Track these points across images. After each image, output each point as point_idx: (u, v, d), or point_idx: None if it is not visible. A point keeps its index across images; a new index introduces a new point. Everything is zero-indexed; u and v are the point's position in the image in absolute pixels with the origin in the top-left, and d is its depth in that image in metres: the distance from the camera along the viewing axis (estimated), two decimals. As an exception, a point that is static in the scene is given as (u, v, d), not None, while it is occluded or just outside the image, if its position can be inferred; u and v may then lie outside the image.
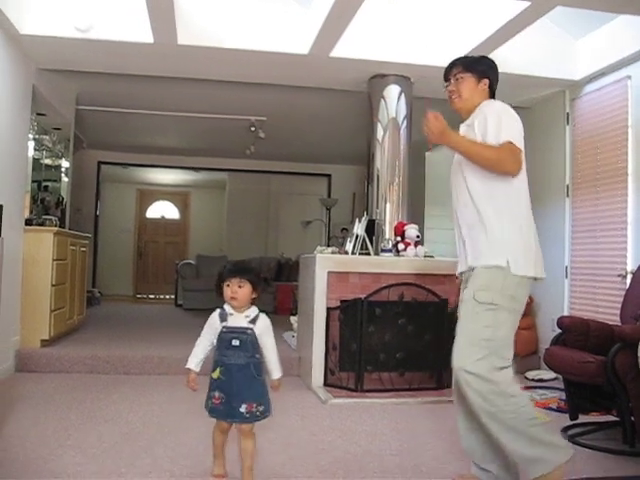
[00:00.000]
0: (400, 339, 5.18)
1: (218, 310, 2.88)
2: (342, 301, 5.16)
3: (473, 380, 2.67)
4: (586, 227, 5.84)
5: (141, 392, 4.85)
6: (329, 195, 12.35)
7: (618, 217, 5.39)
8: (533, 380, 5.70)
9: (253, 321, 2.80)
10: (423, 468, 3.28)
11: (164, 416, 4.17)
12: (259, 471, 3.14)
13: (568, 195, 6.10)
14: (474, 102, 2.98)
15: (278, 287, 10.66)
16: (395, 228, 5.55)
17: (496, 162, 2.77)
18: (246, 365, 2.77)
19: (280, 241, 12.88)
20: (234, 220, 13.02)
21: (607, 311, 5.21)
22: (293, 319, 6.58)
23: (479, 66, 3.04)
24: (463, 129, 2.99)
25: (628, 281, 4.77)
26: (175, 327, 8.27)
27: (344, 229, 10.18)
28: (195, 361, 2.92)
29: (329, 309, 5.17)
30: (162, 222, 15.18)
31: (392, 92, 5.91)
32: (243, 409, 2.77)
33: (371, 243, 5.44)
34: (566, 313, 5.86)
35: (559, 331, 4.17)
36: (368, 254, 5.37)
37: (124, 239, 14.37)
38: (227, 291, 2.81)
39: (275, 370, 2.89)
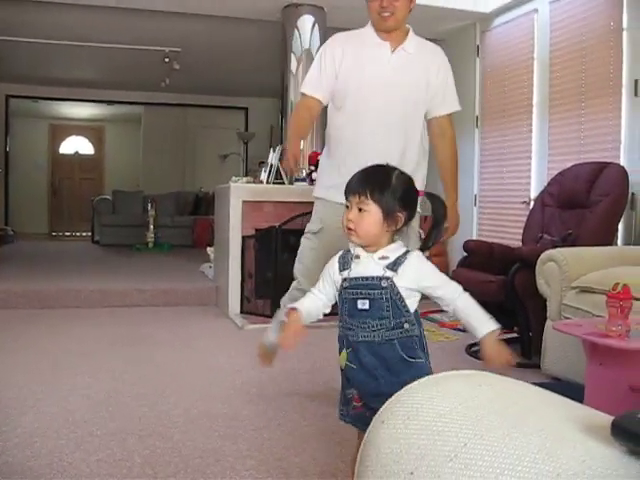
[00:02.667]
0: (315, 267, 5.30)
1: (340, 252, 1.96)
2: (257, 230, 5.24)
3: None
4: (494, 157, 6.05)
5: (58, 324, 4.85)
6: (246, 128, 12.28)
7: (523, 147, 5.60)
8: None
9: (393, 266, 1.81)
10: (334, 384, 3.44)
11: (82, 345, 4.21)
12: (178, 387, 3.25)
13: (477, 126, 6.28)
14: (404, 24, 2.85)
15: (196, 221, 10.68)
16: (309, 157, 5.61)
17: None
18: (385, 343, 1.81)
19: (197, 175, 12.81)
20: (150, 155, 12.84)
21: (511, 237, 5.45)
22: (210, 250, 6.63)
23: None
24: (402, 55, 2.85)
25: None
26: (92, 262, 8.23)
27: (261, 162, 10.15)
28: (299, 307, 1.94)
29: (244, 238, 5.24)
30: (76, 158, 14.83)
31: (306, 23, 5.91)
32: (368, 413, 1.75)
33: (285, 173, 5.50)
34: (474, 239, 6.09)
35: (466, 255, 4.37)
36: (282, 184, 5.43)
37: (37, 176, 14.00)
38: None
39: (480, 324, 1.86)
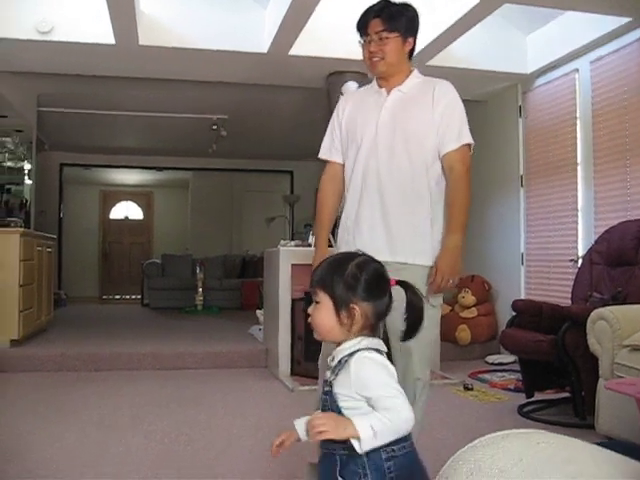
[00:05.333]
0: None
1: None
2: (306, 293, 5.30)
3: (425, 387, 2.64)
4: (540, 215, 6.07)
5: (111, 386, 4.95)
6: (292, 191, 12.49)
7: (569, 205, 5.62)
8: (493, 364, 5.91)
9: (334, 369, 1.62)
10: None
11: (135, 407, 4.29)
12: (232, 450, 3.29)
13: (522, 185, 6.32)
14: (400, 67, 2.71)
15: (243, 284, 10.79)
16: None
17: (468, 192, 2.64)
18: (328, 456, 1.60)
19: (244, 238, 13.01)
20: (198, 219, 13.12)
21: (560, 295, 5.42)
22: (259, 312, 6.71)
23: (406, 22, 2.69)
24: (397, 95, 2.71)
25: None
26: (142, 325, 8.38)
27: (307, 225, 10.33)
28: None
29: (294, 301, 5.32)
30: (126, 223, 15.19)
31: (350, 88, 6.06)
32: None
33: (333, 235, 5.58)
34: (522, 298, 6.08)
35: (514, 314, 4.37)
36: (331, 246, 5.49)
37: (88, 241, 14.35)
38: None
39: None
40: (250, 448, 3.40)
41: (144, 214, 15.32)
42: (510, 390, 4.83)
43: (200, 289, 10.14)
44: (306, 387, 4.79)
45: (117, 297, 14.29)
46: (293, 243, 5.58)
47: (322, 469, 1.62)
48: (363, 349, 1.58)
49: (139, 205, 15.31)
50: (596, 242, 4.65)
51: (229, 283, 11.09)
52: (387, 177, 2.63)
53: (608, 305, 3.76)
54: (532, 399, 4.28)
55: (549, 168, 5.93)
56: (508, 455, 0.85)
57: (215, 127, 8.87)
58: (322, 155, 2.95)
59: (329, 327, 1.62)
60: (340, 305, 1.60)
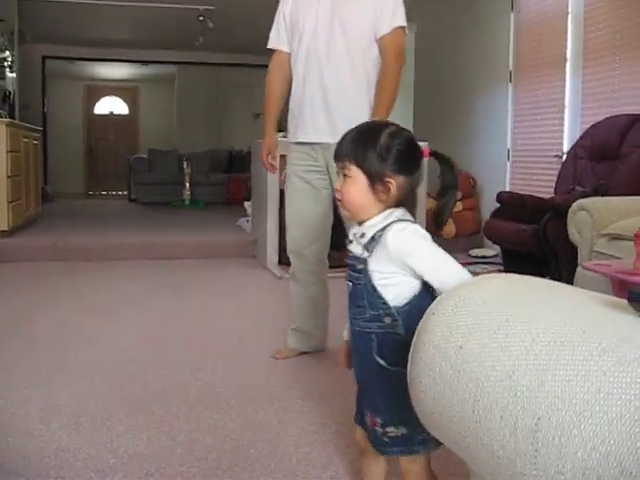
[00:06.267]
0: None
1: None
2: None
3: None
4: (527, 111, 6.09)
5: (104, 275, 5.07)
6: (279, 87, 12.33)
7: (556, 101, 5.63)
8: (476, 257, 6.06)
9: (369, 244, 1.48)
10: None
11: (129, 292, 4.42)
12: (224, 332, 3.44)
13: (511, 81, 6.31)
14: None
15: (230, 179, 10.83)
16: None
17: (398, 75, 2.76)
18: (363, 334, 1.52)
19: (231, 134, 12.92)
20: (184, 114, 13.01)
21: (544, 190, 5.50)
22: (247, 204, 6.79)
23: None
24: None
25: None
26: (130, 218, 8.47)
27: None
28: None
29: (282, 191, 5.37)
30: (111, 118, 15.04)
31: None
32: (367, 419, 1.55)
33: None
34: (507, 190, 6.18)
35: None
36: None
37: (73, 136, 14.22)
38: None
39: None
40: (242, 327, 3.54)
41: (130, 109, 15.14)
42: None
43: (187, 184, 10.21)
44: (294, 276, 4.92)
45: (103, 193, 14.30)
46: (282, 134, 5.59)
47: (356, 349, 1.55)
48: (396, 221, 1.45)
49: (124, 100, 15.11)
50: (581, 137, 4.71)
51: (216, 178, 11.12)
52: (326, 62, 2.75)
53: (589, 197, 3.86)
54: (512, 288, 4.44)
55: (539, 64, 5.91)
56: (490, 289, 0.94)
57: (202, 18, 8.69)
58: (270, 45, 3.07)
59: (364, 203, 1.49)
60: (375, 179, 1.46)
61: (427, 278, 1.41)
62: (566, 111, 5.52)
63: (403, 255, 1.41)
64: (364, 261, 1.46)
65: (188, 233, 6.63)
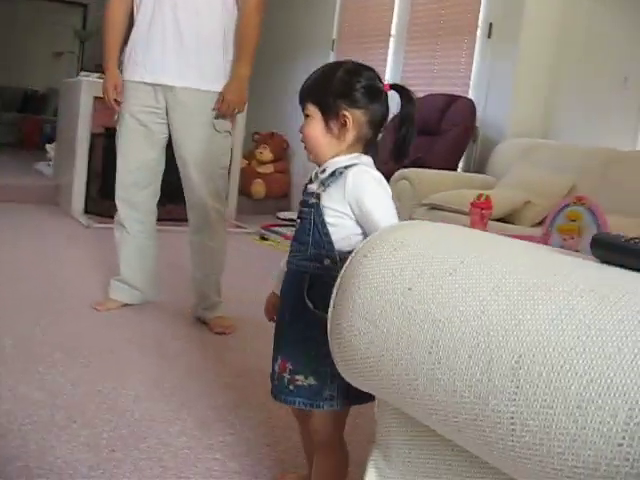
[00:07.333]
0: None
1: None
2: (107, 128, 5.04)
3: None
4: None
5: None
6: (84, 27, 11.62)
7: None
8: (284, 219, 6.10)
9: (326, 180, 1.43)
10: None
11: None
12: (34, 284, 3.18)
13: (333, 50, 6.38)
14: None
15: (25, 119, 10.10)
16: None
17: (260, 24, 2.74)
18: (298, 274, 1.45)
19: (26, 72, 11.96)
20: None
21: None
22: (49, 147, 6.33)
23: None
24: None
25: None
26: None
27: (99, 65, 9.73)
28: None
29: (93, 135, 5.07)
30: None
31: None
32: (276, 366, 1.46)
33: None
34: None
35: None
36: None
37: None
38: None
39: None
40: (51, 279, 3.30)
41: None
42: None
43: (-28, 120, 9.36)
44: (102, 225, 4.67)
45: None
46: (97, 75, 5.25)
47: (288, 290, 1.46)
48: (361, 165, 1.41)
49: None
50: (401, 111, 4.86)
51: (7, 117, 10.28)
52: (183, 2, 2.61)
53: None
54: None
55: (363, 36, 6.01)
56: (432, 232, 0.92)
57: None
58: None
59: (323, 141, 1.44)
60: (329, 113, 1.43)
61: (371, 224, 1.37)
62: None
63: (359, 192, 1.37)
64: (317, 196, 1.40)
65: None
